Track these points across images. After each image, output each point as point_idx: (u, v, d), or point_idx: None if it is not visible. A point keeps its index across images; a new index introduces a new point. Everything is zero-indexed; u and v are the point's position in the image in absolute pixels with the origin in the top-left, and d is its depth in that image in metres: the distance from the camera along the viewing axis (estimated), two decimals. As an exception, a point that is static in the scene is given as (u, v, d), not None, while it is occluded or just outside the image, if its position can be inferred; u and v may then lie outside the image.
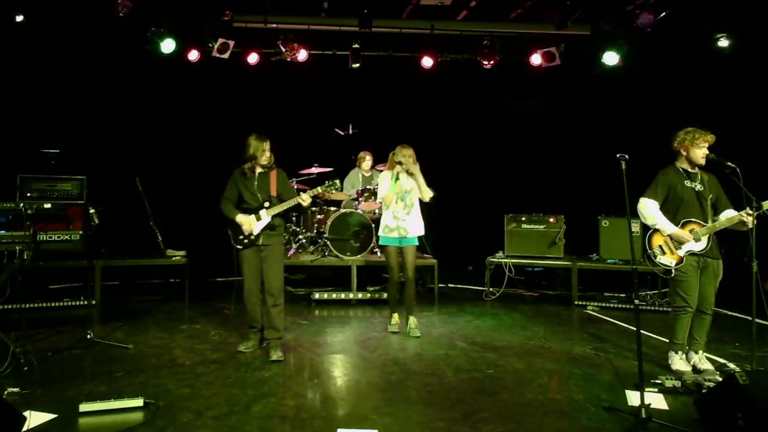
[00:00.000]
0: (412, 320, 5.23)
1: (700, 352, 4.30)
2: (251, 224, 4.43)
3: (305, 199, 4.46)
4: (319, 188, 4.59)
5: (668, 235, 4.16)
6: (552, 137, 8.69)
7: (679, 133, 4.25)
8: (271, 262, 4.49)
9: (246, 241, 4.45)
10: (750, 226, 3.89)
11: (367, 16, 6.89)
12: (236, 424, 3.21)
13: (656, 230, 4.22)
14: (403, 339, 5.15)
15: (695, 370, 4.23)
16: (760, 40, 6.43)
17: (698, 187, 4.17)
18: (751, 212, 3.88)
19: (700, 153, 4.13)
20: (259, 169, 4.51)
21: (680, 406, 3.55)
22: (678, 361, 4.26)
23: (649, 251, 4.22)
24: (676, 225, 4.15)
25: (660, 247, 4.19)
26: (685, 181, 4.18)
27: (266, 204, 4.48)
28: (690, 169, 4.23)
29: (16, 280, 4.82)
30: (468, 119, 8.85)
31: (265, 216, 4.46)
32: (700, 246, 4.10)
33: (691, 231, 4.12)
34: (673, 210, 4.19)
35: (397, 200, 5.12)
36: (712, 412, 3.22)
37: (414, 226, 5.17)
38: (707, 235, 4.10)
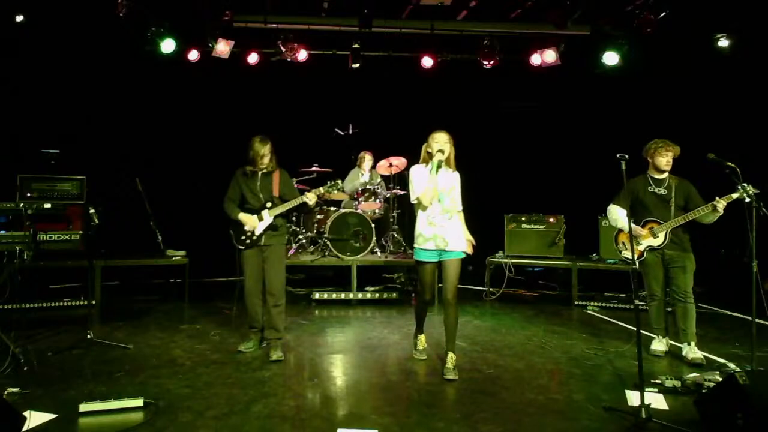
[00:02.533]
0: (451, 358, 4.12)
1: (692, 343, 4.49)
2: (254, 222, 4.43)
3: (311, 198, 4.45)
4: (321, 188, 4.59)
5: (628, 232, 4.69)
6: (552, 137, 8.69)
7: (649, 143, 4.66)
8: (273, 263, 4.49)
9: (248, 241, 4.45)
10: (720, 213, 4.25)
11: (367, 16, 6.89)
12: (236, 424, 3.21)
13: (621, 229, 4.83)
14: (403, 339, 5.15)
15: (686, 360, 4.43)
16: (760, 40, 6.43)
17: (662, 191, 4.61)
18: (723, 200, 4.20)
19: (663, 161, 4.56)
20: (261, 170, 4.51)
21: (680, 406, 3.55)
22: (655, 344, 4.70)
23: (616, 246, 4.93)
24: (638, 225, 4.65)
25: (623, 243, 4.84)
26: (649, 187, 4.65)
27: (268, 204, 4.48)
28: (657, 176, 4.66)
29: (16, 280, 4.81)
30: (468, 119, 8.83)
31: (267, 216, 4.46)
32: (657, 242, 4.58)
33: (650, 229, 4.60)
34: (637, 213, 4.68)
35: (432, 201, 4.10)
36: (712, 412, 3.22)
37: (456, 236, 4.13)
38: (664, 232, 4.54)
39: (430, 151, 4.14)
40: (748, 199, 3.98)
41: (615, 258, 6.86)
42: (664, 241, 4.55)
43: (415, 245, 4.21)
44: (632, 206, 4.63)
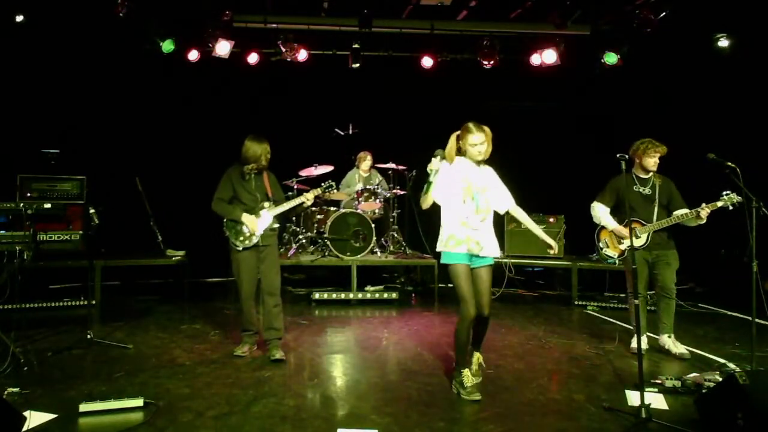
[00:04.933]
0: (478, 357, 3.83)
1: (672, 336, 4.66)
2: (255, 224, 4.38)
3: (309, 198, 4.45)
4: (318, 189, 4.58)
5: (611, 231, 4.75)
6: (552, 137, 8.69)
7: (636, 143, 4.63)
8: (271, 263, 4.45)
9: (246, 242, 4.39)
10: (703, 220, 4.32)
11: (367, 16, 6.90)
12: (236, 424, 3.21)
13: (603, 227, 4.84)
14: (403, 339, 5.15)
15: (669, 353, 4.60)
16: (760, 40, 6.43)
17: (646, 191, 4.63)
18: (707, 207, 4.25)
19: (651, 161, 4.56)
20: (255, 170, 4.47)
21: (680, 406, 3.55)
22: (634, 341, 4.64)
23: (597, 243, 4.91)
24: (621, 224, 4.67)
25: (605, 240, 4.86)
26: (634, 186, 4.64)
27: (266, 204, 4.45)
28: (642, 175, 4.66)
29: (16, 280, 4.81)
30: (467, 119, 8.84)
31: (268, 216, 4.41)
32: (638, 243, 4.58)
33: (633, 229, 4.48)
34: (621, 211, 4.65)
35: (466, 199, 3.66)
36: (712, 412, 3.22)
37: (490, 241, 3.71)
38: (647, 233, 4.57)
39: (461, 146, 3.72)
40: (731, 208, 4.13)
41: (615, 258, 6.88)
42: (645, 242, 4.60)
43: (443, 249, 3.68)
44: (616, 205, 4.72)
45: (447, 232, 3.68)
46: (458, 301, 3.65)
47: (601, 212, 4.76)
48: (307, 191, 4.54)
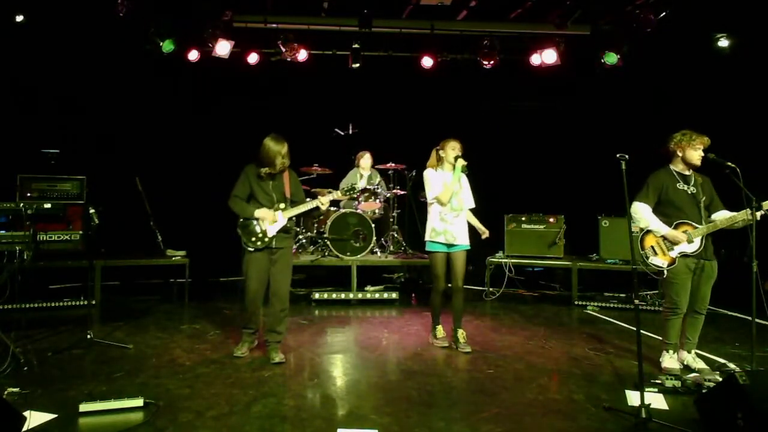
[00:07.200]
0: (461, 333, 4.81)
1: (693, 351, 4.34)
2: (273, 217, 4.31)
3: (324, 202, 4.44)
4: (338, 192, 4.66)
5: (662, 236, 4.18)
6: (552, 137, 8.69)
7: (676, 135, 4.26)
8: (282, 266, 4.40)
9: (259, 243, 4.32)
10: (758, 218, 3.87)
11: (367, 16, 6.90)
12: (236, 424, 3.21)
13: (649, 231, 4.22)
14: (403, 339, 5.15)
15: (689, 369, 4.25)
16: (760, 40, 6.43)
17: (692, 189, 4.17)
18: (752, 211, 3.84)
19: (696, 155, 4.14)
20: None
21: (680, 406, 3.55)
22: (668, 360, 4.29)
23: (641, 252, 4.22)
24: (670, 227, 4.16)
25: (652, 247, 4.20)
26: (678, 184, 4.18)
27: (281, 205, 4.39)
28: (684, 171, 4.23)
29: (16, 280, 4.81)
30: (468, 119, 8.86)
31: (281, 218, 4.36)
32: (693, 247, 4.11)
33: (684, 232, 4.12)
34: (667, 213, 4.19)
35: (452, 200, 4.74)
36: (712, 412, 3.22)
37: (462, 233, 4.75)
38: (700, 237, 4.10)
39: (443, 155, 4.78)
40: None
41: (615, 258, 6.87)
42: (699, 247, 4.09)
43: (428, 239, 4.76)
44: (658, 205, 4.22)
45: (430, 225, 4.78)
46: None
47: (646, 214, 4.16)
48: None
